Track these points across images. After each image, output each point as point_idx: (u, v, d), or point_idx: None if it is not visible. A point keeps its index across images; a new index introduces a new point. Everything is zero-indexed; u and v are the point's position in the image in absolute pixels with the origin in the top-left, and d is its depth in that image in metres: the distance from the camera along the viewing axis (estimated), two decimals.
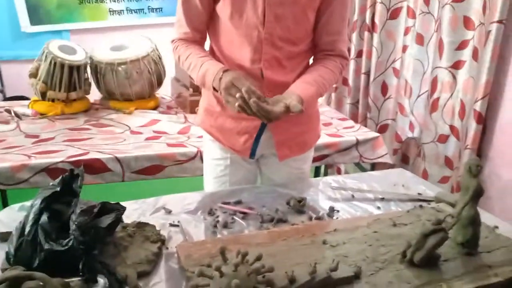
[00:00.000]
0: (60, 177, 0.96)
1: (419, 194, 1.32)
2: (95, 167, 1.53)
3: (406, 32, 2.35)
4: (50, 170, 1.48)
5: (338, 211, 1.21)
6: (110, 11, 3.79)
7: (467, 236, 0.95)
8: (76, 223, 0.83)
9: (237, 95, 1.03)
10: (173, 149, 1.66)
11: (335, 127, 2.08)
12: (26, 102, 2.16)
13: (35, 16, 3.62)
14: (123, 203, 1.20)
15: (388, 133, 2.61)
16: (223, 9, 1.18)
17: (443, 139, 2.11)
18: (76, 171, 0.96)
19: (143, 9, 3.84)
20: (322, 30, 1.25)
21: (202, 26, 1.26)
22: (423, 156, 2.24)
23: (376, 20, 2.52)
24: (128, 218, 1.12)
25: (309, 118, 1.38)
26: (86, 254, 0.83)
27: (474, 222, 0.93)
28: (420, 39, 2.26)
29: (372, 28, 2.59)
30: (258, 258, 0.80)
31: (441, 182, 2.12)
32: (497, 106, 1.86)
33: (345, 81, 2.92)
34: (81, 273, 0.82)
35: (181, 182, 1.79)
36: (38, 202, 0.91)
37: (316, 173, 2.50)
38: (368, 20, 2.59)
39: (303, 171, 1.45)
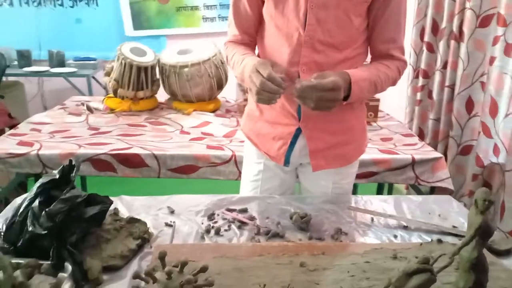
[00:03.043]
0: (61, 166, 1.03)
1: (454, 227, 1.14)
2: (134, 161, 1.61)
3: (494, 42, 2.05)
4: (94, 161, 1.60)
5: (346, 234, 1.09)
6: (203, 18, 4.01)
7: (469, 282, 0.78)
8: (46, 210, 0.87)
9: (257, 82, 1.04)
10: (209, 151, 1.67)
11: (394, 142, 1.90)
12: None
13: (137, 22, 3.99)
14: (139, 198, 1.26)
15: (472, 156, 2.30)
16: (267, 11, 1.20)
17: None
18: (74, 162, 1.02)
19: None
20: (376, 39, 1.21)
21: (251, 29, 1.27)
22: (503, 186, 1.93)
23: (464, 28, 2.25)
24: (131, 212, 1.16)
25: (350, 128, 1.29)
26: (57, 241, 0.88)
27: (477, 266, 0.77)
28: (510, 50, 1.96)
29: (459, 36, 2.32)
30: (203, 270, 0.76)
31: None
32: None
33: (429, 94, 2.67)
34: (50, 258, 0.87)
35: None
36: (35, 187, 0.99)
37: (379, 191, 2.31)
38: (455, 28, 2.33)
39: (341, 186, 1.35)
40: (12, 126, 2.09)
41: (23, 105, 3.90)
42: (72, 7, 4.00)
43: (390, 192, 2.35)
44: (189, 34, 3.98)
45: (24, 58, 3.62)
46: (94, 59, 3.80)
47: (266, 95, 1.06)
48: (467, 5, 2.22)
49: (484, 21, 2.17)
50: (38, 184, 0.99)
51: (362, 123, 1.33)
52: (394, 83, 1.23)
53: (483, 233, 0.76)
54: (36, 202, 0.96)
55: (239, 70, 1.20)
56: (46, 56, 3.73)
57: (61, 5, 3.99)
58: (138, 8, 3.95)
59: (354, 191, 2.61)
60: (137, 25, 3.98)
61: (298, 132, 1.25)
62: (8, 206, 1.16)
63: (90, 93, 3.53)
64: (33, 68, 3.56)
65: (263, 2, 1.21)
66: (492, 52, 2.07)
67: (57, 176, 1.01)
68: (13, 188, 1.80)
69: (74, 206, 0.93)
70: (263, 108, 1.29)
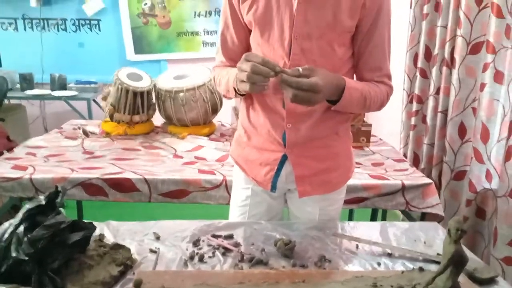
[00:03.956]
0: (48, 192, 1.05)
1: (438, 254, 1.14)
2: (126, 186, 1.63)
3: (484, 69, 2.08)
4: (85, 185, 1.61)
5: (329, 261, 1.09)
6: (203, 43, 4.10)
7: None
8: (29, 236, 0.88)
9: (248, 67, 1.03)
10: (201, 175, 1.69)
11: (385, 168, 1.91)
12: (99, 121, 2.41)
13: (139, 46, 4.08)
14: (126, 223, 1.27)
15: (465, 182, 2.30)
16: (254, 39, 1.23)
17: None
18: (59, 188, 1.04)
19: None
20: (362, 68, 1.23)
21: (238, 57, 1.28)
22: (495, 212, 1.93)
23: (456, 55, 2.29)
24: (117, 238, 1.17)
25: (335, 155, 1.31)
26: (39, 267, 0.89)
27: None
28: (499, 77, 1.99)
29: (451, 63, 2.35)
30: None
31: (511, 245, 1.79)
32: None
33: (424, 119, 2.69)
34: (32, 285, 0.88)
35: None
36: (21, 212, 1.00)
37: (373, 217, 2.31)
38: (447, 55, 2.37)
39: (328, 213, 1.36)
40: (10, 149, 2.11)
41: (24, 128, 3.95)
42: (75, 31, 4.10)
43: (384, 217, 2.34)
44: (189, 59, 4.06)
45: (26, 81, 3.69)
46: (95, 83, 3.86)
47: (257, 78, 1.03)
48: (458, 32, 2.26)
49: (474, 48, 2.20)
50: (24, 209, 1.01)
51: (348, 149, 1.35)
52: (381, 106, 1.24)
53: (456, 262, 0.76)
54: (21, 228, 0.97)
55: (224, 83, 1.22)
56: (48, 79, 3.80)
57: (65, 29, 4.10)
58: (139, 33, 4.05)
59: (350, 216, 2.61)
60: (139, 50, 4.07)
61: (284, 158, 1.27)
62: None
63: (90, 116, 3.58)
64: (35, 91, 3.62)
65: (250, 31, 1.25)
66: (483, 79, 2.10)
67: (43, 202, 1.03)
68: (7, 211, 1.81)
69: (58, 232, 0.95)
70: (251, 134, 1.31)
